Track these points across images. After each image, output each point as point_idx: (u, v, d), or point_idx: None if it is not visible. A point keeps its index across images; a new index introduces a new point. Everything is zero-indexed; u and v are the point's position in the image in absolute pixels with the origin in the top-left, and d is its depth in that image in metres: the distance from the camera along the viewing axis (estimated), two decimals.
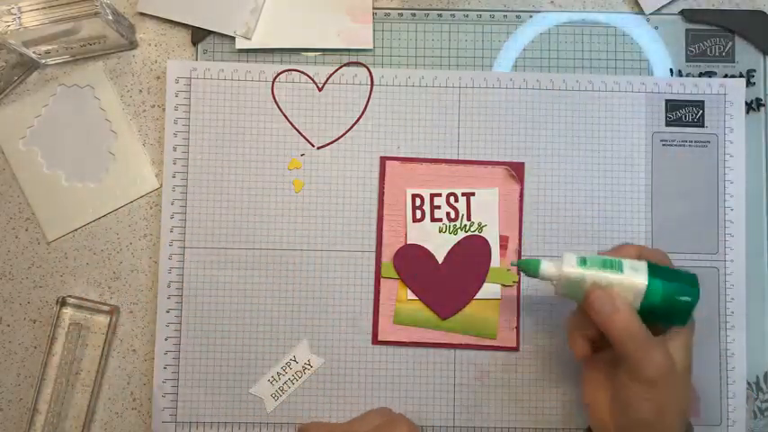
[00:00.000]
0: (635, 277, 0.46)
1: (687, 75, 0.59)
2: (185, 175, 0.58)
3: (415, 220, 0.57)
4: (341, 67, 0.58)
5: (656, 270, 0.47)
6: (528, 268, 0.49)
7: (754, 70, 0.59)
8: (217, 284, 0.57)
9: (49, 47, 0.56)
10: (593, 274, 0.47)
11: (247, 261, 0.57)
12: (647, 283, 0.46)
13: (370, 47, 0.59)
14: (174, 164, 0.57)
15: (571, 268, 0.47)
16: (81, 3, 0.52)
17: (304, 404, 0.57)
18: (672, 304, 0.46)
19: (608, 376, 0.49)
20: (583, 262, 0.47)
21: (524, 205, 0.58)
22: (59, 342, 0.56)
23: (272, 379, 0.57)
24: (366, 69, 0.58)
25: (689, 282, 0.47)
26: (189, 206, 0.57)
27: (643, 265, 0.47)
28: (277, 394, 0.57)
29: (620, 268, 0.47)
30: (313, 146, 0.58)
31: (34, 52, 0.57)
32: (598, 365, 0.50)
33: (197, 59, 0.59)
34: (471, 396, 0.57)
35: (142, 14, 0.59)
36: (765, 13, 0.59)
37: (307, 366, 0.57)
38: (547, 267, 0.48)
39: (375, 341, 0.57)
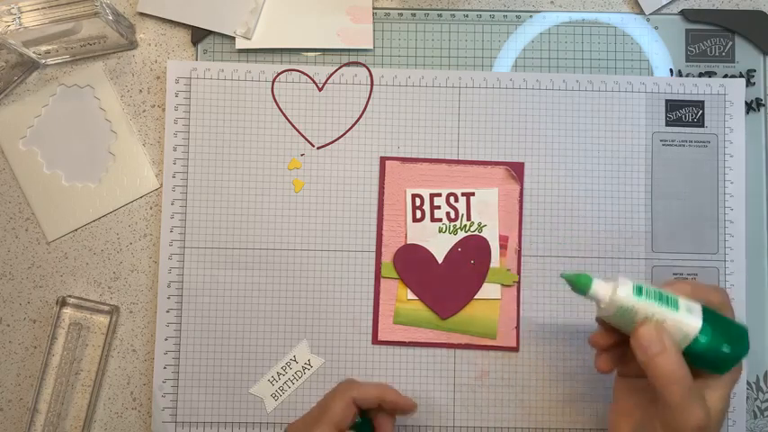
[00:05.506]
0: (689, 319, 0.43)
1: (687, 75, 0.59)
2: (185, 175, 0.58)
3: (415, 220, 0.57)
4: (341, 67, 0.58)
5: (709, 315, 0.43)
6: (577, 285, 0.45)
7: (754, 70, 0.59)
8: (217, 284, 0.57)
9: (49, 47, 0.56)
10: (646, 306, 0.43)
11: (247, 261, 0.57)
12: (700, 327, 0.43)
13: (370, 47, 0.59)
14: (174, 164, 0.58)
15: (625, 296, 0.43)
16: (81, 3, 0.52)
17: (304, 404, 0.57)
18: (717, 354, 0.43)
19: (637, 405, 0.46)
20: (639, 291, 0.44)
21: (524, 205, 0.58)
22: (59, 342, 0.56)
23: (272, 379, 0.57)
24: (366, 69, 0.58)
25: (739, 334, 0.44)
26: (189, 206, 0.57)
27: (698, 308, 0.44)
28: (277, 394, 0.57)
29: (675, 306, 0.43)
30: (313, 146, 0.58)
31: (34, 52, 0.57)
32: (630, 390, 0.47)
33: (197, 59, 0.59)
34: (471, 396, 0.57)
35: (142, 14, 0.59)
36: (765, 13, 0.59)
37: (307, 366, 0.57)
38: (600, 289, 0.44)
39: (375, 341, 0.57)
